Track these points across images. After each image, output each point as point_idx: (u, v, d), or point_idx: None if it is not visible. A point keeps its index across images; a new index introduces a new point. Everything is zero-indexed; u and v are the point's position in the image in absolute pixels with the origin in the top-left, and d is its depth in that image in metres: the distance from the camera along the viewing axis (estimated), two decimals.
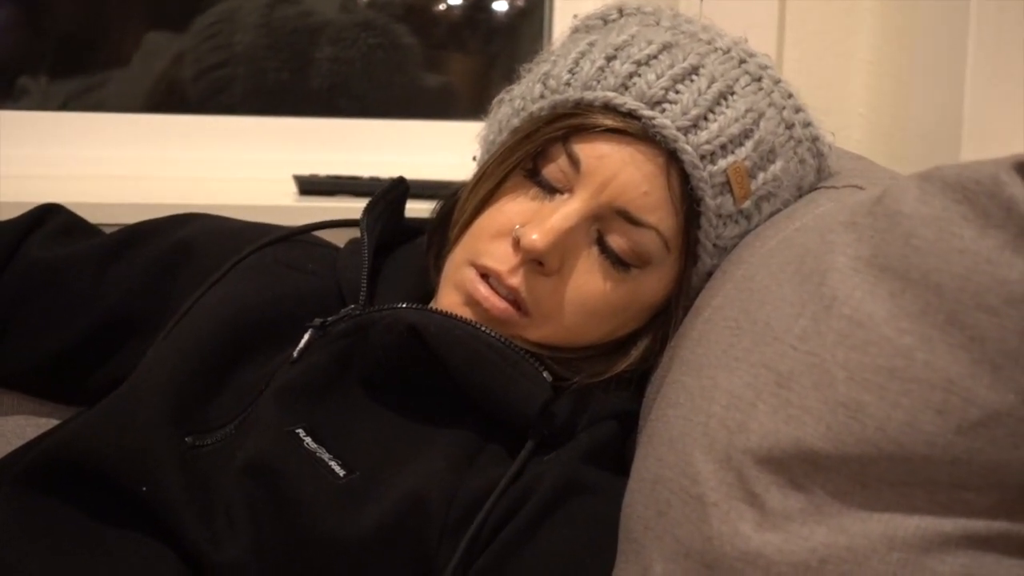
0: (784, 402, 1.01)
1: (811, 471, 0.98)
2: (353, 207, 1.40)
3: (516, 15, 2.50)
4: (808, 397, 1.00)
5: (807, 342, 1.02)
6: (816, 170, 1.29)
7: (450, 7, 2.50)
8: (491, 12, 2.52)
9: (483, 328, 1.20)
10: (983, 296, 0.93)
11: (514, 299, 1.19)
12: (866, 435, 0.96)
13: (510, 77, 1.35)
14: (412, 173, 1.42)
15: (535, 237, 1.16)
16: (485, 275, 1.20)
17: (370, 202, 1.34)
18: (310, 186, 2.01)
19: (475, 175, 1.28)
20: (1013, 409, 0.91)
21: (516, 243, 1.18)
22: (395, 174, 1.39)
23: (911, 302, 0.97)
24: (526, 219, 1.20)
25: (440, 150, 2.19)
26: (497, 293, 1.20)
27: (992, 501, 0.94)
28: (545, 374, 1.20)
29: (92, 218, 1.51)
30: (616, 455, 1.21)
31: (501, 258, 1.20)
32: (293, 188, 2.01)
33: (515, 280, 1.19)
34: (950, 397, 0.93)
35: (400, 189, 1.37)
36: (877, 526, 0.96)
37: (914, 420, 0.94)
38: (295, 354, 1.23)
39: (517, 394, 1.18)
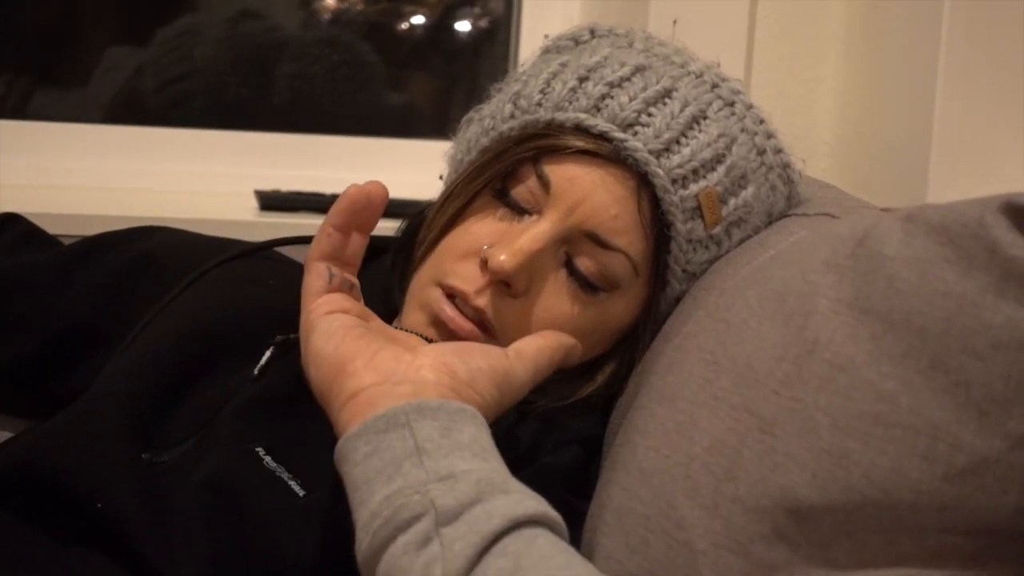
0: (769, 449, 1.00)
1: (796, 520, 0.97)
2: (315, 223, 1.38)
3: (479, 36, 2.50)
4: (792, 444, 0.99)
5: (790, 387, 1.01)
6: (786, 197, 1.29)
7: (413, 26, 2.49)
8: (454, 32, 2.52)
9: None
10: (968, 340, 0.91)
11: (480, 320, 1.18)
12: (851, 483, 0.94)
13: (472, 98, 1.35)
14: None
15: (503, 258, 1.15)
16: (451, 295, 1.19)
17: None
18: (272, 201, 1.99)
19: (442, 194, 1.27)
20: (1001, 455, 0.90)
21: (484, 264, 1.17)
22: None
23: (893, 345, 0.95)
24: (494, 240, 1.18)
25: (402, 168, 2.18)
26: (463, 314, 1.18)
27: (980, 545, 0.92)
28: None
29: (50, 229, 1.49)
30: (580, 480, 1.20)
31: (468, 279, 1.18)
32: (254, 203, 2.00)
33: (481, 301, 1.17)
34: (936, 443, 0.91)
35: None
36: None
37: (900, 467, 0.92)
38: (256, 371, 1.21)
39: None
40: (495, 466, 0.94)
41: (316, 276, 1.05)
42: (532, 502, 0.91)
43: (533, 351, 1.09)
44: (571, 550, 0.90)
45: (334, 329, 1.02)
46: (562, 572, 0.87)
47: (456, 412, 0.96)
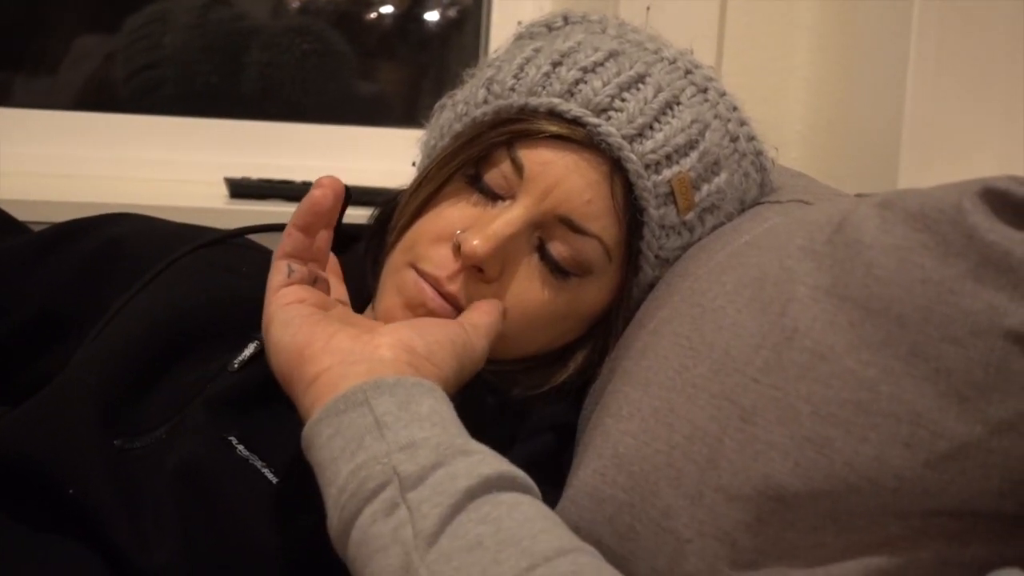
0: (751, 438, 1.00)
1: (781, 508, 0.97)
2: (284, 211, 1.38)
3: (448, 25, 2.50)
4: (774, 433, 0.98)
5: (769, 375, 1.01)
6: (759, 184, 1.29)
7: (382, 15, 2.49)
8: (423, 22, 2.52)
9: None
10: (947, 327, 0.91)
11: (453, 305, 1.17)
12: (834, 470, 0.94)
13: (441, 86, 1.34)
14: (343, 178, 1.41)
15: (476, 243, 1.14)
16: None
17: None
18: (242, 189, 1.99)
19: (416, 179, 1.26)
20: (981, 441, 0.90)
21: (456, 249, 1.16)
22: None
23: (872, 332, 0.95)
24: (467, 225, 1.18)
25: (371, 156, 2.18)
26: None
27: (965, 525, 0.93)
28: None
29: (19, 215, 1.48)
30: (553, 468, 1.20)
31: (440, 263, 1.17)
32: (224, 191, 1.99)
33: (454, 287, 1.17)
34: (917, 430, 0.91)
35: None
36: (852, 561, 0.94)
37: (882, 454, 0.92)
38: (236, 364, 1.21)
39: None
40: (456, 432, 0.97)
41: (276, 272, 1.09)
42: (494, 461, 0.94)
43: (485, 321, 1.13)
44: (552, 515, 0.92)
45: (290, 318, 1.05)
46: (545, 535, 0.89)
47: (414, 386, 0.98)
